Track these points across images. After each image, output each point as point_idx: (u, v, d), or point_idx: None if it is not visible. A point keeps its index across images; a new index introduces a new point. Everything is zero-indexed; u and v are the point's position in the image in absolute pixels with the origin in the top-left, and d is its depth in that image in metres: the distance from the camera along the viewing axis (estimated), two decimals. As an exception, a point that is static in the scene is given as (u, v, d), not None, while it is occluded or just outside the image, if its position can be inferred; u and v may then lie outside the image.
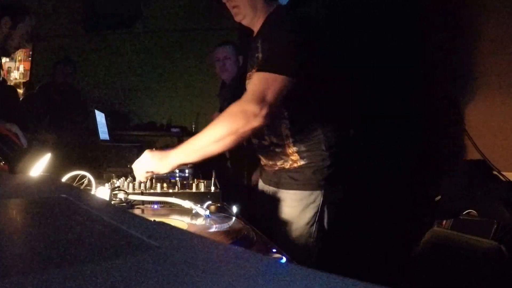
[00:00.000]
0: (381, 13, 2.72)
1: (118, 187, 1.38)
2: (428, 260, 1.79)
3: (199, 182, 1.48)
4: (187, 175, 1.72)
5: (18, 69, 3.72)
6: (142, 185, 1.39)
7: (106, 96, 4.10)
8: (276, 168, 1.47)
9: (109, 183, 1.46)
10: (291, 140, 1.41)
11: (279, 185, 1.45)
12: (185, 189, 1.44)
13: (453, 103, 2.65)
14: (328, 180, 1.38)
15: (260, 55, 1.38)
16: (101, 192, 1.24)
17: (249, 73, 1.47)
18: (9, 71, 3.64)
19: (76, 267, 0.29)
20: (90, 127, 3.21)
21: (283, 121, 1.40)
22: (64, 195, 0.59)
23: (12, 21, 1.80)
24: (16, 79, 3.67)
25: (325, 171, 1.38)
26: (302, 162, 1.40)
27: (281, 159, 1.44)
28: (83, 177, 1.34)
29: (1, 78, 2.25)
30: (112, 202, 1.23)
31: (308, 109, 1.41)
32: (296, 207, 1.39)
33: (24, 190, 0.73)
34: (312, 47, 1.36)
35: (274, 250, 0.84)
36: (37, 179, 0.97)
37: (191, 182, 1.52)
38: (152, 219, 0.51)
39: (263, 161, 1.55)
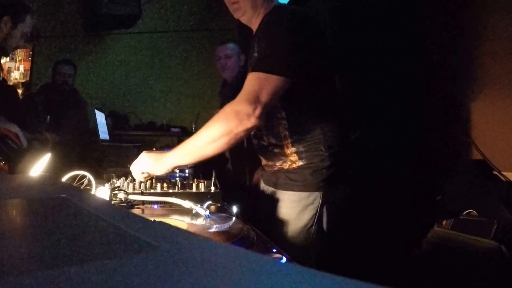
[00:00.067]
0: (381, 13, 2.72)
1: (118, 187, 1.38)
2: (428, 260, 1.79)
3: (199, 182, 1.48)
4: (187, 175, 1.72)
5: (18, 69, 3.72)
6: (142, 185, 1.40)
7: (106, 96, 4.10)
8: (276, 169, 1.45)
9: (109, 183, 1.46)
10: (289, 140, 1.39)
11: (277, 185, 1.44)
12: (185, 189, 1.44)
13: (453, 103, 2.65)
14: (328, 181, 1.36)
15: (256, 55, 1.36)
16: (101, 192, 1.24)
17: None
18: (9, 71, 3.64)
19: (76, 267, 0.29)
20: (90, 127, 3.21)
21: (281, 121, 1.39)
22: (64, 195, 0.59)
23: (13, 20, 1.80)
24: (16, 79, 3.67)
25: (324, 172, 1.36)
26: (301, 163, 1.38)
27: (280, 159, 1.43)
28: (83, 177, 1.34)
29: (1, 78, 2.25)
30: (112, 202, 1.23)
31: (306, 109, 1.39)
32: (294, 209, 1.37)
33: (24, 190, 0.73)
34: (310, 47, 1.33)
35: (274, 250, 0.84)
36: (37, 179, 0.97)
37: (191, 182, 1.52)
38: (152, 219, 0.51)
39: (263, 161, 1.54)
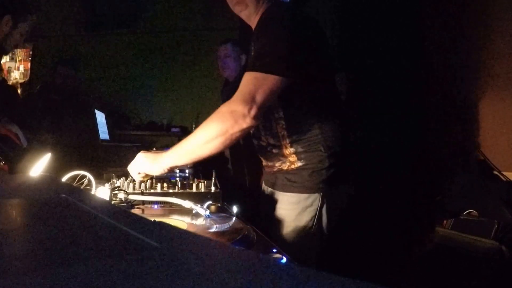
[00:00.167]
0: (381, 13, 2.72)
1: (118, 187, 1.38)
2: (429, 260, 1.79)
3: (199, 182, 1.48)
4: (187, 175, 1.72)
5: (18, 69, 3.72)
6: (142, 185, 1.40)
7: (106, 96, 4.10)
8: (275, 169, 1.44)
9: (109, 183, 1.46)
10: (287, 140, 1.37)
11: (276, 186, 1.42)
12: (185, 189, 1.43)
13: (453, 103, 2.65)
14: (327, 183, 1.34)
15: (253, 54, 1.33)
16: (101, 192, 1.24)
17: None
18: (9, 71, 3.64)
19: (76, 267, 0.29)
20: (90, 127, 3.21)
21: (279, 121, 1.37)
22: (64, 195, 0.59)
23: (13, 20, 1.80)
24: (16, 79, 3.67)
25: (323, 173, 1.33)
26: (299, 164, 1.36)
27: (279, 160, 1.41)
28: (83, 177, 1.34)
29: (0, 78, 2.25)
30: (112, 202, 1.23)
31: (305, 109, 1.36)
32: (293, 210, 1.35)
33: (24, 190, 0.73)
34: (308, 45, 1.31)
35: (274, 250, 0.84)
36: (37, 179, 0.97)
37: (191, 182, 1.52)
38: (152, 219, 0.51)
39: (263, 162, 1.52)
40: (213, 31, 4.17)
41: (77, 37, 4.09)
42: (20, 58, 3.71)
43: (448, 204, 1.96)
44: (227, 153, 2.84)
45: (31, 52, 3.74)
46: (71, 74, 3.34)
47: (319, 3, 2.86)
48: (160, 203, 1.27)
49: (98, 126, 3.01)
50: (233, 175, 2.81)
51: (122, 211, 0.55)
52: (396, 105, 2.63)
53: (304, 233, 1.34)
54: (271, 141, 1.41)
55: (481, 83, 2.49)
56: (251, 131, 1.45)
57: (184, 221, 1.03)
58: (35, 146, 1.66)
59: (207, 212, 1.06)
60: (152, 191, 1.40)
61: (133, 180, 1.41)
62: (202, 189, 1.43)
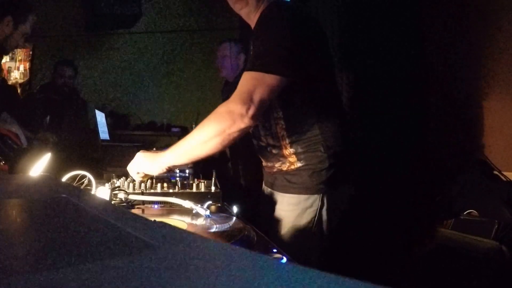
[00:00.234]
0: (381, 13, 2.72)
1: (118, 187, 1.38)
2: (429, 260, 1.79)
3: (200, 182, 1.48)
4: (187, 175, 1.72)
5: (18, 69, 3.72)
6: (143, 185, 1.39)
7: (106, 96, 4.11)
8: (275, 170, 1.42)
9: (109, 183, 1.46)
10: (287, 141, 1.35)
11: (276, 187, 1.41)
12: (186, 189, 1.43)
13: (453, 103, 2.65)
14: (327, 184, 1.32)
15: (251, 53, 1.31)
16: (101, 192, 1.24)
17: None
18: (9, 71, 3.63)
19: (76, 267, 0.28)
20: (90, 127, 3.21)
21: (278, 121, 1.35)
22: (64, 195, 0.58)
23: (14, 21, 1.80)
24: (16, 78, 3.67)
25: (323, 174, 1.32)
26: (299, 164, 1.34)
27: (279, 160, 1.39)
28: (83, 177, 1.34)
29: (0, 78, 2.25)
30: (112, 202, 1.22)
31: (305, 108, 1.35)
32: (293, 211, 1.33)
33: (24, 190, 0.73)
34: (308, 44, 1.29)
35: (274, 250, 0.84)
36: (37, 179, 0.97)
37: (191, 182, 1.52)
38: (152, 219, 0.51)
39: (263, 162, 1.51)
40: (213, 31, 4.17)
41: (77, 37, 4.09)
42: (20, 58, 3.71)
43: (448, 204, 1.96)
44: (228, 153, 2.84)
45: (31, 52, 3.74)
46: (71, 74, 3.34)
47: (319, 3, 2.86)
48: (160, 203, 1.27)
49: (98, 126, 3.01)
50: (233, 175, 2.81)
51: (122, 211, 0.55)
52: (396, 105, 2.63)
53: (304, 234, 1.33)
54: (271, 141, 1.40)
55: (481, 83, 2.49)
56: (251, 131, 1.45)
57: (184, 221, 1.03)
58: (35, 146, 1.66)
59: (207, 212, 1.06)
60: (152, 191, 1.40)
61: (133, 180, 1.41)
62: (202, 189, 1.42)
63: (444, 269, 1.70)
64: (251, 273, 0.29)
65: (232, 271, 0.29)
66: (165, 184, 1.43)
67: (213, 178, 1.45)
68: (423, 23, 2.82)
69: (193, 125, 3.96)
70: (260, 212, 1.51)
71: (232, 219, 1.04)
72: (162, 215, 1.14)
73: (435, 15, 2.82)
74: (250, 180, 2.41)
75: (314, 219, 1.32)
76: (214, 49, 3.05)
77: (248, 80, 1.22)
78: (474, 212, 1.78)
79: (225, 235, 0.91)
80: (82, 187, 1.34)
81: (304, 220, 1.33)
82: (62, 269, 0.28)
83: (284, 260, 0.75)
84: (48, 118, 2.58)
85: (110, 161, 2.37)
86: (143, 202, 1.29)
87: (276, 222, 1.36)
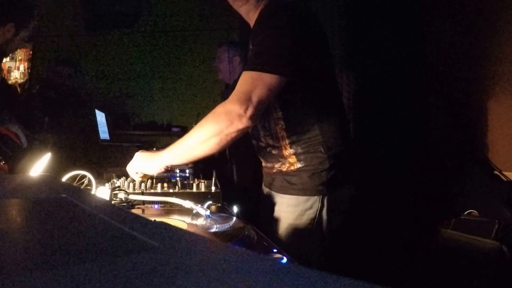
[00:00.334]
0: (381, 13, 2.71)
1: (119, 187, 1.38)
2: (429, 260, 1.79)
3: (200, 182, 1.48)
4: (187, 175, 1.72)
5: (18, 69, 3.72)
6: (143, 185, 1.39)
7: (106, 96, 4.11)
8: (274, 170, 1.41)
9: (109, 183, 1.46)
10: (287, 141, 1.34)
11: (275, 188, 1.40)
12: (186, 189, 1.43)
13: (453, 103, 2.65)
14: (327, 185, 1.31)
15: (250, 52, 1.30)
16: (101, 192, 1.24)
17: None
18: (9, 71, 3.63)
19: (76, 267, 0.28)
20: (90, 127, 3.21)
21: (278, 121, 1.34)
22: (64, 195, 0.58)
23: (16, 28, 1.80)
24: (16, 78, 3.67)
25: (323, 175, 1.30)
26: (299, 165, 1.33)
27: (279, 161, 1.38)
28: (83, 177, 1.34)
29: (0, 77, 2.25)
30: (112, 202, 1.22)
31: (305, 109, 1.33)
32: (292, 213, 1.32)
33: (24, 190, 0.73)
34: (307, 43, 1.27)
35: (274, 250, 0.84)
36: (37, 179, 0.97)
37: (191, 182, 1.52)
38: (152, 219, 0.51)
39: (263, 163, 1.50)
40: (213, 31, 4.17)
41: (77, 37, 4.09)
42: (20, 58, 3.71)
43: (448, 204, 1.96)
44: (228, 153, 2.84)
45: (31, 52, 3.74)
46: (70, 73, 3.34)
47: (319, 3, 2.86)
48: (160, 203, 1.27)
49: (98, 126, 3.01)
50: (233, 175, 2.81)
51: (122, 211, 0.55)
52: (396, 105, 2.63)
53: (303, 234, 1.32)
54: (270, 141, 1.39)
55: (481, 83, 2.49)
56: (250, 131, 1.44)
57: (184, 221, 1.03)
58: (35, 146, 1.66)
59: (208, 212, 1.06)
60: (152, 191, 1.40)
61: (133, 180, 1.41)
62: (203, 189, 1.42)
63: (445, 269, 1.70)
64: (251, 273, 0.29)
65: (232, 271, 0.29)
66: (165, 184, 1.43)
67: (213, 178, 1.45)
68: (423, 23, 2.82)
69: (193, 125, 3.95)
70: (260, 213, 1.51)
71: (232, 219, 1.04)
72: (162, 215, 1.13)
73: (435, 15, 2.82)
74: (250, 180, 2.41)
75: (314, 220, 1.31)
76: (214, 49, 3.05)
77: (247, 80, 1.20)
78: (475, 212, 1.78)
79: (225, 235, 0.91)
80: (82, 187, 1.34)
81: (304, 221, 1.32)
82: (62, 269, 0.28)
83: (284, 260, 0.75)
84: (48, 118, 2.58)
85: (110, 161, 2.37)
86: (143, 202, 1.29)
87: (276, 222, 1.35)
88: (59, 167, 1.44)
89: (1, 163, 1.30)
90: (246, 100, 1.17)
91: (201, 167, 1.87)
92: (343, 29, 2.77)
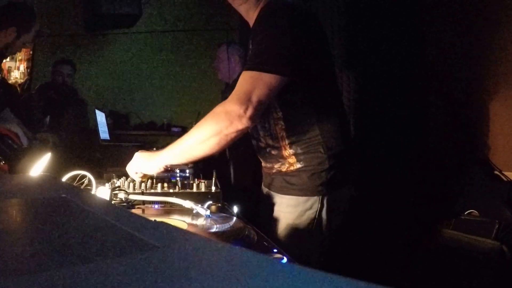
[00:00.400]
0: (381, 13, 2.71)
1: (119, 187, 1.38)
2: (430, 260, 1.79)
3: (200, 182, 1.48)
4: (187, 175, 1.72)
5: (18, 69, 3.72)
6: (143, 185, 1.39)
7: (106, 96, 4.11)
8: (274, 171, 1.40)
9: (110, 183, 1.46)
10: (286, 141, 1.33)
11: (275, 188, 1.39)
12: (186, 189, 1.43)
13: (453, 103, 2.65)
14: (327, 185, 1.30)
15: (250, 52, 1.29)
16: (102, 192, 1.24)
17: None
18: (9, 71, 3.63)
19: (76, 267, 0.28)
20: (90, 127, 3.22)
21: (277, 121, 1.33)
22: (64, 195, 0.58)
23: (18, 32, 1.81)
24: (16, 78, 3.67)
25: (323, 175, 1.30)
26: (299, 165, 1.32)
27: (278, 161, 1.37)
28: (83, 177, 1.34)
29: (0, 77, 2.25)
30: (113, 202, 1.22)
31: (305, 109, 1.32)
32: (292, 213, 1.32)
33: (24, 190, 0.73)
34: (307, 43, 1.27)
35: (275, 250, 0.84)
36: (37, 179, 0.97)
37: (191, 182, 1.52)
38: (152, 219, 0.51)
39: (263, 163, 1.50)
40: (213, 31, 4.17)
41: (77, 37, 4.09)
42: (20, 58, 3.71)
43: (449, 204, 1.96)
44: (228, 153, 2.84)
45: (31, 52, 3.74)
46: (70, 73, 3.34)
47: (319, 3, 2.86)
48: (161, 203, 1.27)
49: (98, 126, 3.02)
50: (233, 175, 2.81)
51: (122, 211, 0.55)
52: (396, 105, 2.63)
53: (303, 234, 1.31)
54: (270, 142, 1.38)
55: (481, 83, 2.49)
56: (250, 132, 1.44)
57: (184, 221, 1.03)
58: (35, 146, 1.66)
59: (208, 212, 1.06)
60: (152, 191, 1.40)
61: (134, 180, 1.41)
62: (203, 189, 1.42)
63: (445, 269, 1.70)
64: (251, 273, 0.29)
65: (232, 271, 0.29)
66: (165, 184, 1.43)
67: (214, 178, 1.44)
68: (423, 23, 2.82)
69: (193, 125, 3.95)
70: (260, 213, 1.51)
71: (232, 219, 1.04)
72: (162, 215, 1.13)
73: (435, 15, 2.82)
74: (250, 181, 2.41)
75: (314, 221, 1.31)
76: (214, 49, 3.05)
77: (246, 80, 1.20)
78: (475, 212, 1.78)
79: (226, 235, 0.91)
80: (82, 187, 1.34)
81: (304, 221, 1.31)
82: (62, 269, 0.28)
83: (284, 260, 0.75)
84: (48, 118, 2.58)
85: (110, 161, 2.38)
86: (143, 202, 1.29)
87: (275, 223, 1.35)
88: (59, 167, 1.44)
89: (1, 163, 1.30)
90: (246, 100, 1.16)
91: (201, 167, 1.87)
92: (343, 29, 2.77)
